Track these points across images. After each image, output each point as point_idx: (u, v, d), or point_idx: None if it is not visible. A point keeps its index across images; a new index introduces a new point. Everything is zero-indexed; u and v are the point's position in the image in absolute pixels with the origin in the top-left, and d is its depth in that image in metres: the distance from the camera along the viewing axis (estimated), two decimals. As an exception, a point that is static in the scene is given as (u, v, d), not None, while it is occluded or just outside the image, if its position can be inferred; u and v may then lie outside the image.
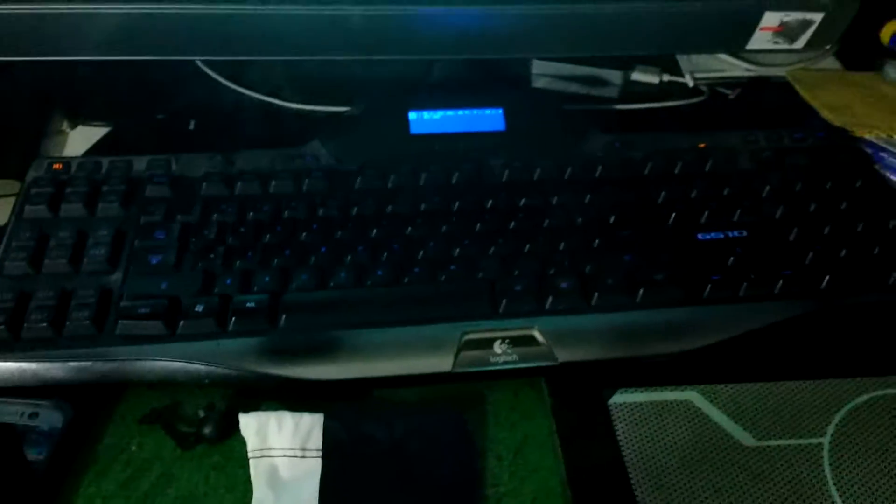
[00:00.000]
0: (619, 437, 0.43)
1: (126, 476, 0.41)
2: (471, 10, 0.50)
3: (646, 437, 0.43)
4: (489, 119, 0.56)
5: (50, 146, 0.60)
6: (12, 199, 0.52)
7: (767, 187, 0.53)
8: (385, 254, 0.48)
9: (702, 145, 0.56)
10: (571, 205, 0.51)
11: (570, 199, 0.52)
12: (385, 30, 0.51)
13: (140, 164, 0.53)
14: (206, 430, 0.43)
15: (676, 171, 0.54)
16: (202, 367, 0.43)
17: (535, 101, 0.63)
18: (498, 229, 0.50)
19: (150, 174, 0.52)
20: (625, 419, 0.44)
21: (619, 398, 0.45)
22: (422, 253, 0.48)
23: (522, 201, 0.51)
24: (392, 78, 0.62)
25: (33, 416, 0.41)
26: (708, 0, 0.52)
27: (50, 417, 0.41)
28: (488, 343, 0.45)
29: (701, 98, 0.67)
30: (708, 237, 0.50)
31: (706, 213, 0.51)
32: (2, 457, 0.40)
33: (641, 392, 0.45)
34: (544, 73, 0.66)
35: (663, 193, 0.52)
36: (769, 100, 0.67)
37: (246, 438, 0.42)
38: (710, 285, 0.47)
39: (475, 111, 0.56)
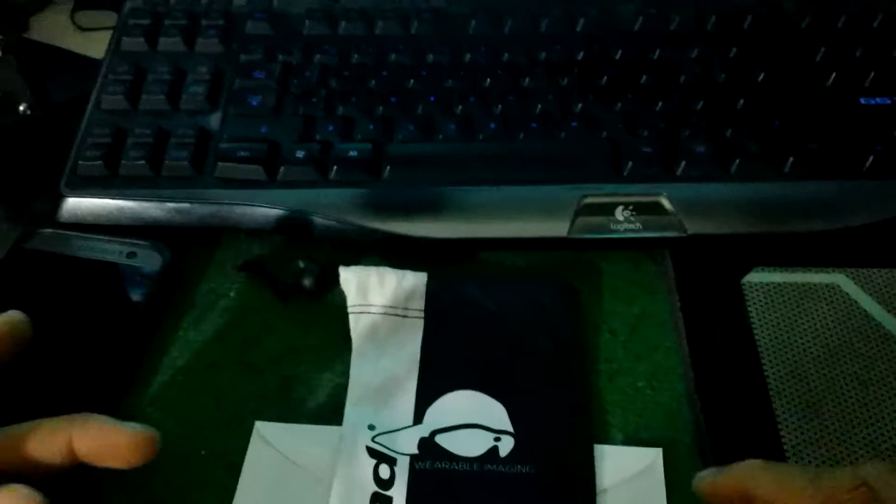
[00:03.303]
0: (751, 320, 0.38)
1: (224, 322, 0.40)
2: None
3: (783, 320, 0.38)
4: (623, -44, 0.49)
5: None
6: (108, 33, 0.50)
7: (949, 48, 0.45)
8: (499, 106, 0.43)
9: (872, -4, 0.48)
10: (713, 59, 0.45)
11: (712, 53, 0.45)
12: None
13: (239, -3, 0.49)
14: (306, 282, 0.41)
15: (839, 26, 0.47)
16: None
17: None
18: (626, 84, 0.44)
19: (249, 9, 0.48)
20: (760, 300, 0.39)
21: (754, 277, 0.40)
22: (539, 107, 0.43)
23: (656, 53, 0.46)
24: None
25: (131, 255, 0.40)
26: None
27: (148, 259, 0.40)
28: (609, 208, 0.40)
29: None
30: (873, 102, 0.43)
31: (872, 74, 0.44)
32: (103, 294, 0.40)
33: (781, 272, 0.40)
34: None
35: (823, 50, 0.45)
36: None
37: (346, 293, 0.40)
38: (871, 157, 0.41)
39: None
